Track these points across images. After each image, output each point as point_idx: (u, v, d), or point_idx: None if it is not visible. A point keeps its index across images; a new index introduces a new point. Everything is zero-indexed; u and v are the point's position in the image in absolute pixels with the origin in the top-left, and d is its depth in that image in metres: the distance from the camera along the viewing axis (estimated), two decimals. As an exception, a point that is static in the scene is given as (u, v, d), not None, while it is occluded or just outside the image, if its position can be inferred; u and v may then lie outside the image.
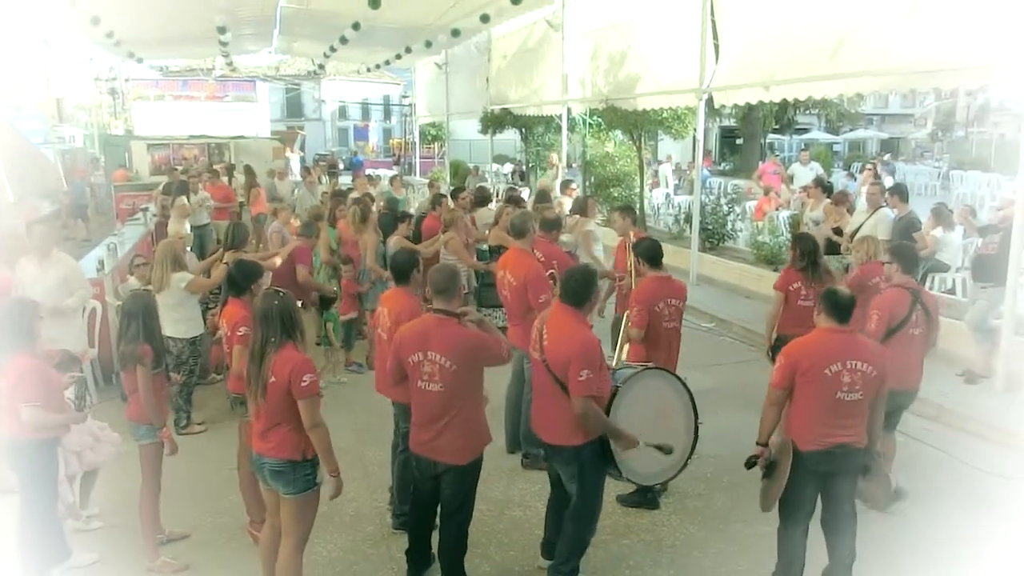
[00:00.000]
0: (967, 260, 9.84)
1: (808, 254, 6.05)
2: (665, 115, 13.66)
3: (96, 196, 20.94)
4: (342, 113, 53.65)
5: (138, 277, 7.95)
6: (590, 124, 16.30)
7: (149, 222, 12.83)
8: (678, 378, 4.81)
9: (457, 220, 8.31)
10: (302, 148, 36.34)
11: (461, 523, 4.32)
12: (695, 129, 13.08)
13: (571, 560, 4.42)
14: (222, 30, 16.26)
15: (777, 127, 34.17)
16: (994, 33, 7.30)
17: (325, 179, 17.98)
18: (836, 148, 41.45)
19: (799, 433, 4.10)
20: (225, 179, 15.82)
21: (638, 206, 14.87)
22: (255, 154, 20.87)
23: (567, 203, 10.48)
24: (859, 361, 4.00)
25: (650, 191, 18.05)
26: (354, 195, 11.80)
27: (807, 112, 35.45)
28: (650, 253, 5.51)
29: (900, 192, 8.85)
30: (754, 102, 12.06)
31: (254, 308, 4.13)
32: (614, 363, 5.13)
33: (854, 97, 18.97)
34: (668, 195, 19.51)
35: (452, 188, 12.20)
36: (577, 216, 9.05)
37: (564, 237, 7.55)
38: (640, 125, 14.38)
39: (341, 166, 28.52)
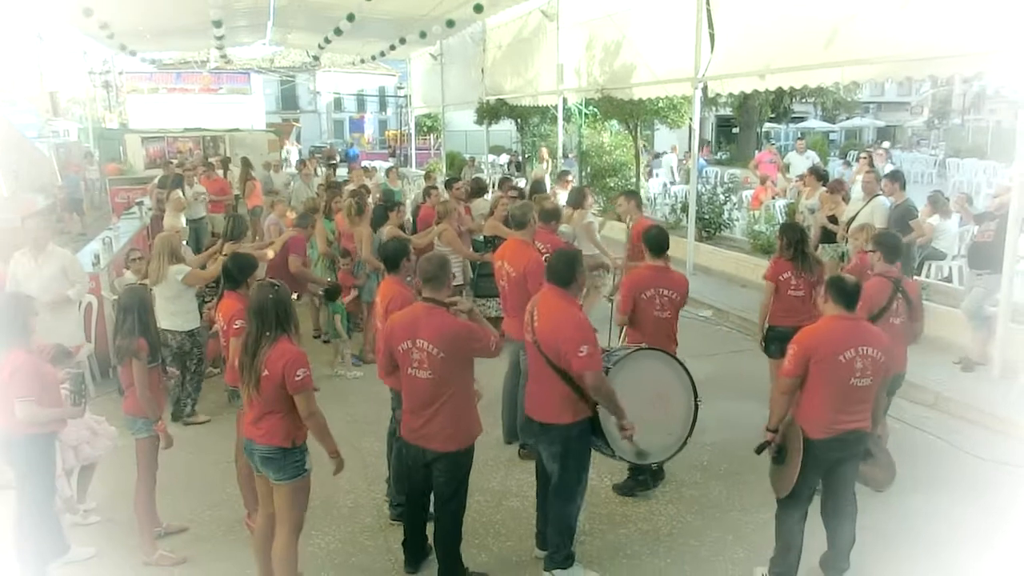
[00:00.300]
0: (963, 248, 9.86)
1: (795, 243, 6.03)
2: (661, 104, 13.64)
3: (91, 190, 20.89)
4: (337, 105, 53.52)
5: (134, 271, 7.94)
6: (586, 114, 16.27)
7: (145, 216, 12.81)
8: (675, 358, 4.83)
9: (451, 211, 8.30)
10: (298, 139, 36.28)
11: (454, 512, 4.34)
12: (691, 118, 13.05)
13: (564, 546, 4.44)
14: (218, 24, 16.17)
15: (773, 116, 34.16)
16: (990, 20, 7.28)
17: (321, 171, 17.94)
18: (832, 137, 41.50)
19: (810, 420, 4.11)
20: (220, 172, 15.79)
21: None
22: (250, 146, 20.85)
23: (562, 195, 10.46)
24: (870, 347, 4.03)
25: (646, 181, 18.03)
26: (349, 187, 11.78)
27: (803, 101, 35.45)
28: (653, 241, 5.47)
29: (898, 178, 8.81)
30: (749, 91, 12.05)
31: (248, 300, 4.13)
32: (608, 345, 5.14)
33: (850, 85, 18.93)
34: (665, 185, 19.50)
35: (447, 179, 12.17)
36: (571, 208, 9.04)
37: (562, 227, 7.56)
38: (636, 115, 14.35)
39: (338, 158, 28.42)
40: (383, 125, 52.19)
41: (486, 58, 19.90)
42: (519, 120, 20.22)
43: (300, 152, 30.24)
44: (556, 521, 4.45)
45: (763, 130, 34.51)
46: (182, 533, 5.07)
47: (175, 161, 17.56)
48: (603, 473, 5.66)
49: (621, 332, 5.69)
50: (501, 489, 5.65)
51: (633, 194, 7.75)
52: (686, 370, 4.77)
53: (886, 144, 29.82)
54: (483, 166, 23.24)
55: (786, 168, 16.13)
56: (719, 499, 5.50)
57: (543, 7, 16.07)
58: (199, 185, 13.20)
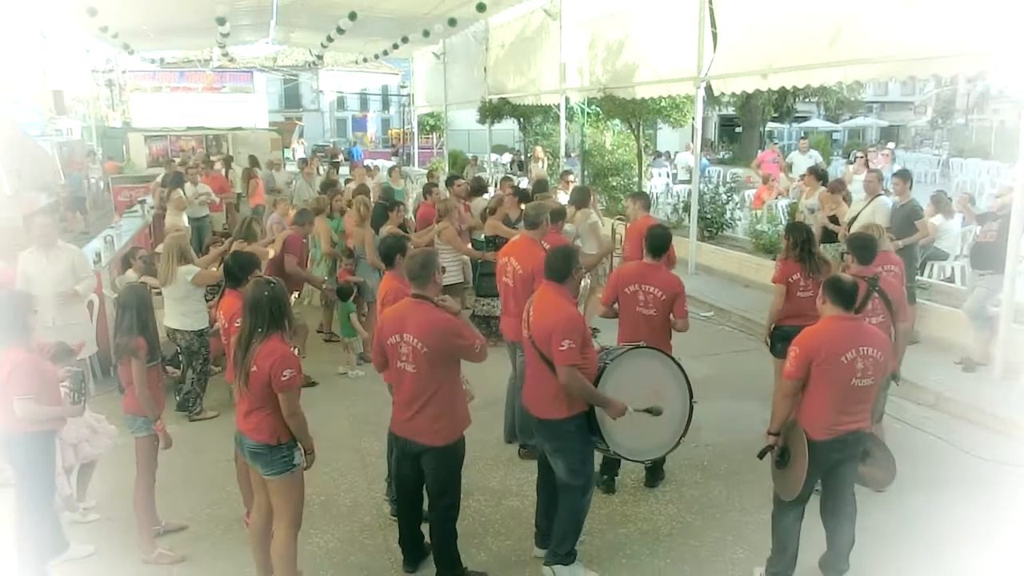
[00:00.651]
0: (966, 248, 9.83)
1: (801, 243, 5.97)
2: (663, 104, 13.62)
3: (93, 189, 20.91)
4: (340, 104, 53.59)
5: (135, 270, 7.95)
6: (588, 113, 16.25)
7: (147, 214, 12.82)
8: (672, 358, 4.82)
9: (451, 209, 8.31)
10: (300, 136, 36.33)
11: (447, 507, 4.36)
12: (693, 118, 13.03)
13: (567, 541, 4.44)
14: (221, 21, 16.17)
15: (776, 115, 34.06)
16: (993, 19, 7.26)
17: (323, 170, 17.95)
18: (836, 136, 41.40)
19: (812, 422, 4.09)
20: (223, 170, 15.81)
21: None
22: (253, 145, 20.88)
23: (563, 196, 10.46)
24: (870, 347, 4.02)
25: (648, 180, 18.00)
26: (351, 186, 11.79)
27: (807, 100, 35.35)
28: (651, 241, 5.44)
29: (906, 177, 8.75)
30: (752, 90, 12.02)
31: (244, 295, 4.14)
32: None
33: (853, 85, 18.87)
34: (668, 184, 19.48)
35: (447, 177, 12.16)
36: (574, 208, 9.04)
37: (566, 227, 7.57)
38: (638, 114, 14.33)
39: (341, 157, 28.46)
40: (386, 124, 52.28)
41: (489, 57, 19.90)
42: (522, 119, 20.21)
43: (305, 151, 30.27)
44: (564, 515, 4.47)
45: (766, 129, 34.43)
46: (181, 531, 5.07)
47: (177, 160, 17.59)
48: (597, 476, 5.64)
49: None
50: (501, 488, 5.64)
51: (640, 196, 7.72)
52: (682, 370, 4.76)
53: (891, 145, 29.75)
54: (486, 165, 23.24)
55: (789, 168, 16.09)
56: (719, 499, 5.49)
57: (546, 6, 16.05)
58: (203, 184, 13.21)
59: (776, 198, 14.60)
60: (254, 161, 15.88)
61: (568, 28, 15.46)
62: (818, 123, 40.92)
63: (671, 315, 5.28)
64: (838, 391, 4.03)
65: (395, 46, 21.56)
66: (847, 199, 9.47)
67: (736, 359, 8.49)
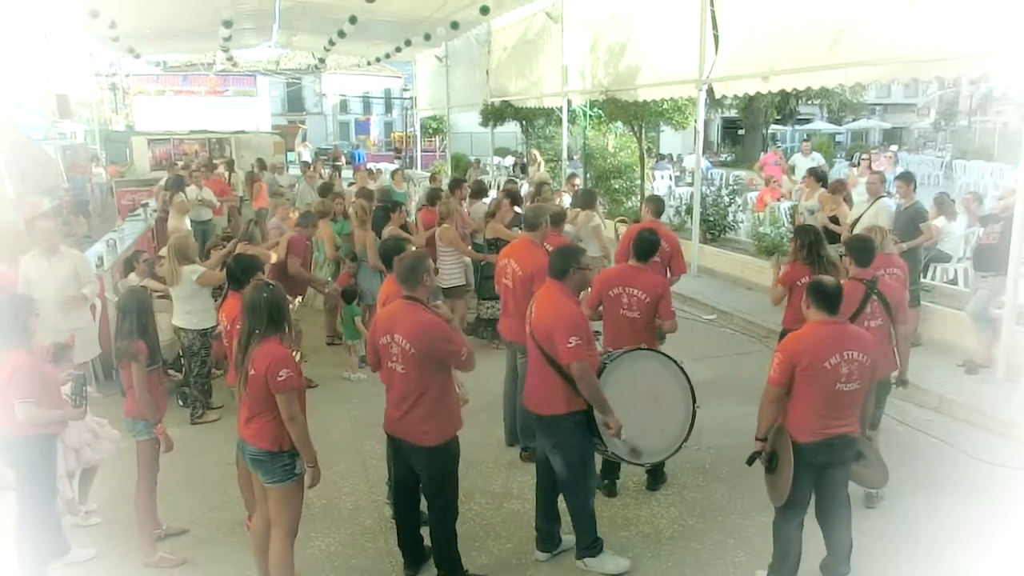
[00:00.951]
0: (968, 250, 9.81)
1: (810, 245, 5.93)
2: (666, 106, 13.61)
3: (97, 192, 20.93)
4: (343, 107, 53.65)
5: (138, 273, 7.97)
6: (590, 116, 16.25)
7: (150, 218, 12.83)
8: (675, 362, 4.81)
9: (453, 212, 8.32)
10: (304, 140, 36.38)
11: (443, 508, 4.36)
12: (696, 120, 13.03)
13: (586, 533, 4.54)
14: (227, 24, 16.17)
15: (779, 118, 34.04)
16: (995, 21, 7.24)
17: (326, 173, 17.97)
18: (839, 138, 41.34)
19: (797, 426, 4.08)
20: (225, 174, 15.83)
21: (638, 198, 14.83)
22: (256, 148, 20.93)
23: (566, 198, 10.46)
24: (855, 351, 3.99)
25: (651, 183, 18.00)
26: (352, 188, 11.76)
27: (809, 102, 35.24)
28: (638, 244, 5.41)
29: (910, 180, 8.72)
30: (753, 93, 12.02)
31: (243, 298, 4.15)
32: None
33: (856, 87, 18.86)
34: (670, 187, 19.47)
35: (450, 180, 12.14)
36: (578, 210, 9.04)
37: (567, 228, 7.56)
38: (641, 116, 14.32)
39: (343, 160, 28.49)
40: (389, 127, 52.33)
41: (491, 60, 19.91)
42: (524, 122, 20.20)
43: (311, 154, 30.31)
44: (573, 513, 4.56)
45: (769, 132, 34.42)
46: (182, 535, 5.07)
47: (180, 163, 17.61)
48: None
49: None
50: (502, 491, 5.64)
51: (654, 200, 7.47)
52: (685, 374, 4.75)
53: (893, 147, 29.72)
54: (488, 168, 23.25)
55: (791, 170, 16.08)
56: (721, 502, 5.48)
57: (548, 9, 16.06)
58: (207, 189, 13.21)
59: (779, 200, 14.59)
60: (261, 164, 15.90)
61: (570, 31, 15.47)
62: (821, 125, 40.85)
63: (657, 317, 5.26)
64: (823, 396, 4.00)
65: (398, 49, 21.60)
66: (847, 200, 9.45)
67: (738, 361, 8.47)
